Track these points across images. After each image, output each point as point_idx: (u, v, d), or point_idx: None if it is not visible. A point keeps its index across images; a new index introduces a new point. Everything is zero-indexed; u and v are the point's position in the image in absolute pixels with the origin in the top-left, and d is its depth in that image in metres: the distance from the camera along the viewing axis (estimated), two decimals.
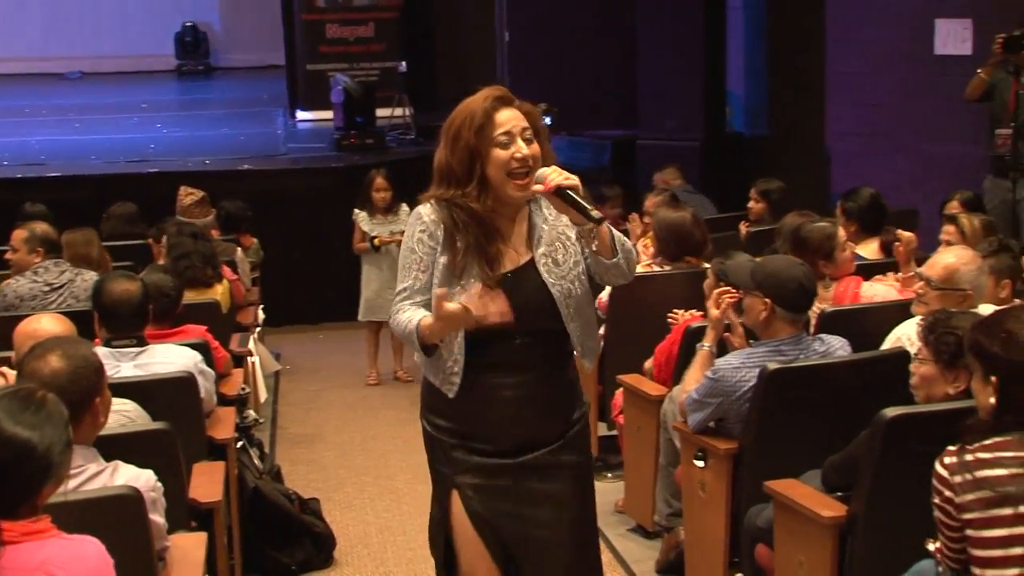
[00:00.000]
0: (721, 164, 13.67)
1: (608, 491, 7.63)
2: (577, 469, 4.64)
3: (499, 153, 4.34)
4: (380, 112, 15.47)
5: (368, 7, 17.62)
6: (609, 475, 7.98)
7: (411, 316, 4.38)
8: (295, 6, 17.77)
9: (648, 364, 7.00)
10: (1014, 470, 3.86)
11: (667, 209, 8.30)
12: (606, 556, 6.90)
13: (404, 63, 17.39)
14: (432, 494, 4.71)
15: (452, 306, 4.16)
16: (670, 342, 6.96)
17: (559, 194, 4.30)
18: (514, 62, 16.37)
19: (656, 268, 8.10)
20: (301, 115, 17.47)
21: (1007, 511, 3.86)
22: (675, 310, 7.18)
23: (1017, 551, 3.87)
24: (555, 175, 4.29)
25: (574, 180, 4.33)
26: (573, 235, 4.50)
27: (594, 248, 4.37)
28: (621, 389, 7.21)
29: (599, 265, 4.42)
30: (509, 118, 4.40)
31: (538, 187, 4.32)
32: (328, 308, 12.38)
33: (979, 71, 10.64)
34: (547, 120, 9.56)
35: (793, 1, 14.38)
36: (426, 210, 4.49)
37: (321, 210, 12.39)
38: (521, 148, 4.33)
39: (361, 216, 10.57)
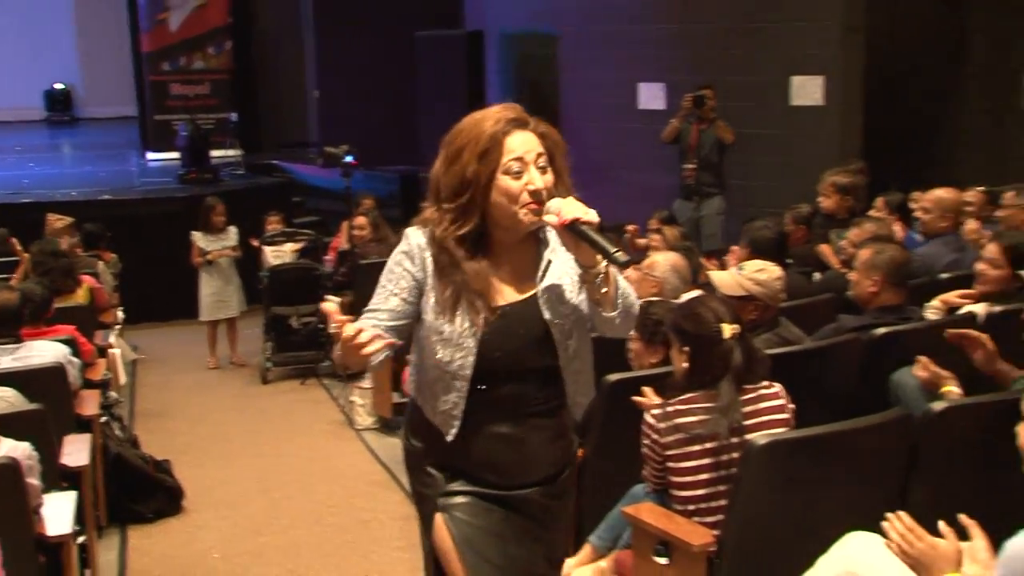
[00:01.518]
0: None
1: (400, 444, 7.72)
2: (564, 512, 3.73)
3: (508, 183, 3.30)
4: (215, 153, 15.46)
5: (204, 71, 17.69)
6: (400, 431, 7.97)
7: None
8: (144, 70, 17.72)
9: None
10: (701, 417, 3.99)
11: None
12: (400, 495, 6.97)
13: (235, 114, 17.52)
14: (420, 525, 3.74)
15: (348, 330, 3.17)
16: None
17: (574, 230, 3.25)
18: (322, 111, 16.32)
19: None
20: (151, 156, 17.26)
21: (696, 447, 4.00)
22: None
23: (704, 476, 4.01)
24: (571, 207, 3.25)
25: (593, 216, 3.26)
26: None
27: (597, 296, 3.37)
28: (410, 366, 7.21)
29: (596, 315, 3.45)
30: (522, 143, 3.35)
31: (551, 219, 3.27)
32: (174, 309, 12.22)
33: (672, 120, 10.94)
34: (349, 159, 9.57)
35: (534, 69, 14.51)
36: (417, 235, 3.45)
37: (168, 231, 12.24)
38: (535, 180, 3.29)
39: (197, 236, 10.58)
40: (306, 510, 6.77)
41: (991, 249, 5.76)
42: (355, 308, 9.32)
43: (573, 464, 3.73)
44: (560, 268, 3.48)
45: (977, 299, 5.75)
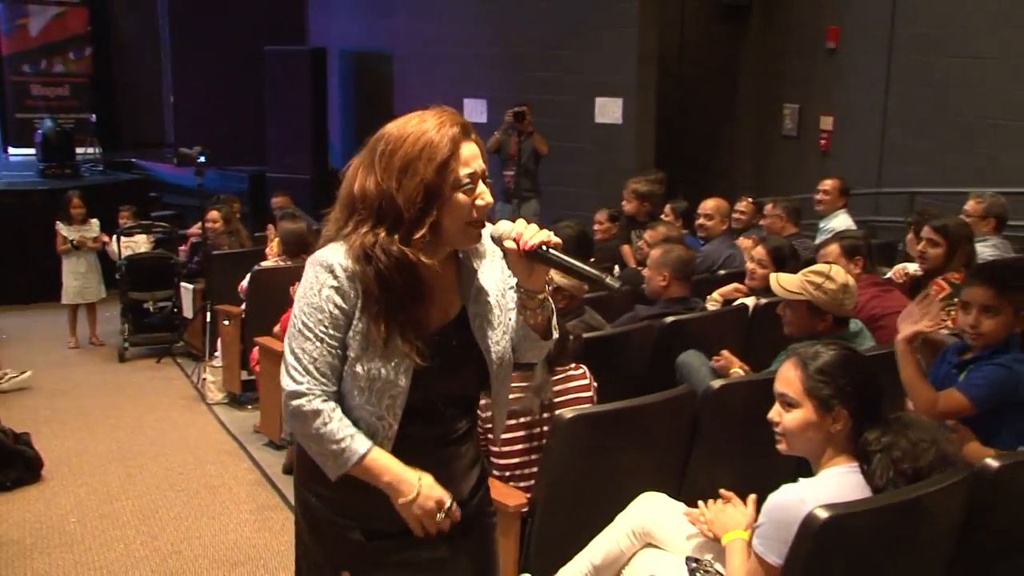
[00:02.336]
0: (325, 192, 13.62)
1: (250, 418, 7.69)
2: (489, 536, 3.07)
3: (461, 199, 2.64)
4: (78, 150, 15.01)
5: (65, 74, 17.28)
6: (250, 406, 7.91)
7: (346, 436, 2.65)
8: (5, 71, 17.09)
9: (277, 328, 6.97)
10: (516, 395, 4.01)
11: (289, 222, 8.28)
12: (248, 463, 6.91)
13: (94, 115, 17.13)
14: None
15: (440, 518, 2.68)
16: (289, 312, 6.96)
17: (539, 256, 2.67)
18: (177, 114, 16.01)
19: (281, 263, 8.08)
20: (12, 151, 16.67)
21: (511, 422, 4.03)
22: (294, 288, 7.20)
23: (518, 447, 4.08)
24: (531, 231, 2.68)
25: (556, 238, 2.72)
26: (508, 291, 2.88)
27: (536, 322, 2.80)
28: (257, 347, 7.15)
29: (527, 341, 2.84)
30: (473, 156, 2.70)
31: (510, 244, 2.66)
32: (35, 293, 11.82)
33: (495, 132, 10.99)
34: (202, 159, 9.43)
35: (371, 83, 14.45)
36: (339, 259, 2.65)
37: (31, 220, 11.86)
38: (485, 194, 2.69)
39: (61, 226, 10.28)
40: (160, 477, 6.64)
41: (759, 251, 5.93)
42: (207, 295, 9.26)
43: (486, 486, 3.05)
44: (487, 288, 2.85)
45: (748, 293, 5.93)
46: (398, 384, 2.67)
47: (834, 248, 5.82)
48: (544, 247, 2.64)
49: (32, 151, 15.42)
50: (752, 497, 3.38)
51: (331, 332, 2.66)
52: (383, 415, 2.68)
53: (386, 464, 2.66)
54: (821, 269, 4.61)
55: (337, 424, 2.64)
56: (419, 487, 2.66)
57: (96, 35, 17.45)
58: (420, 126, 2.69)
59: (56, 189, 12.25)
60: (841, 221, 7.95)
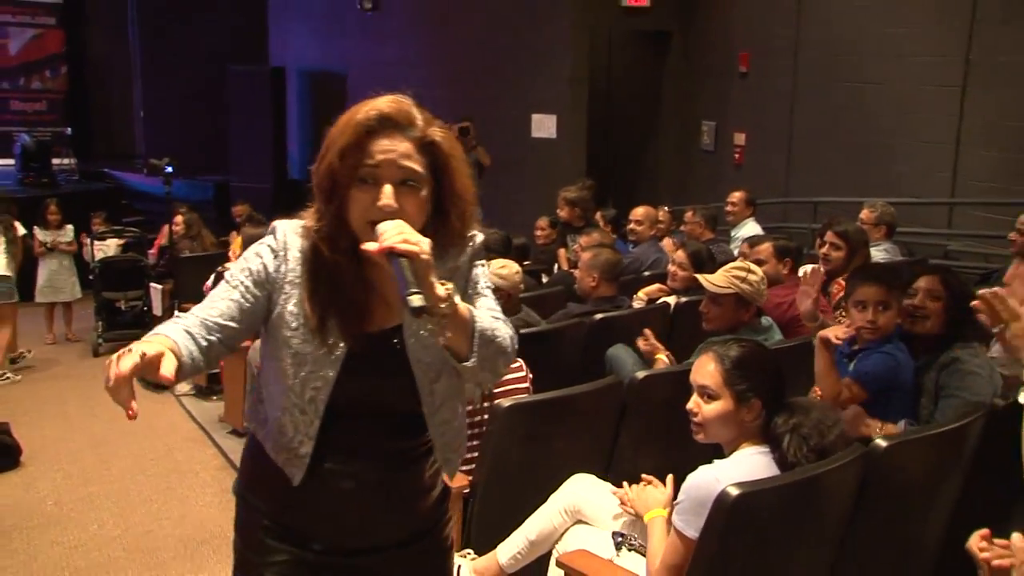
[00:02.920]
0: (283, 200, 13.57)
1: (215, 408, 7.65)
2: None
3: (357, 194, 2.18)
4: (54, 161, 14.83)
5: (42, 90, 17.15)
6: (215, 397, 7.85)
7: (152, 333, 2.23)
8: None
9: None
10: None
11: (251, 227, 8.22)
12: (213, 450, 6.87)
13: (69, 129, 16.88)
14: None
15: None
16: None
17: (391, 260, 2.07)
18: (147, 128, 15.89)
19: None
20: None
21: None
22: None
23: None
24: (393, 232, 2.07)
25: (414, 247, 2.04)
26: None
27: (443, 341, 2.18)
28: None
29: (452, 362, 2.20)
30: (384, 150, 2.18)
31: (371, 245, 2.09)
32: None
33: None
34: (169, 169, 9.35)
35: (326, 101, 14.40)
36: (291, 229, 2.32)
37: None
38: (386, 195, 2.14)
39: (38, 231, 10.18)
40: (131, 463, 6.58)
41: (680, 255, 5.98)
42: (175, 294, 9.20)
43: (438, 527, 2.53)
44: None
45: (670, 292, 5.98)
46: (326, 374, 2.27)
47: (767, 247, 5.93)
48: (392, 252, 2.06)
49: (11, 162, 15.23)
50: (670, 477, 3.41)
51: (244, 283, 2.27)
52: (305, 408, 2.29)
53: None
54: (741, 265, 4.71)
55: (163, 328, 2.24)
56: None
57: (71, 54, 17.30)
58: (356, 107, 2.31)
59: (34, 197, 12.07)
60: (750, 229, 8.04)
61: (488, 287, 2.42)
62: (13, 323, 9.21)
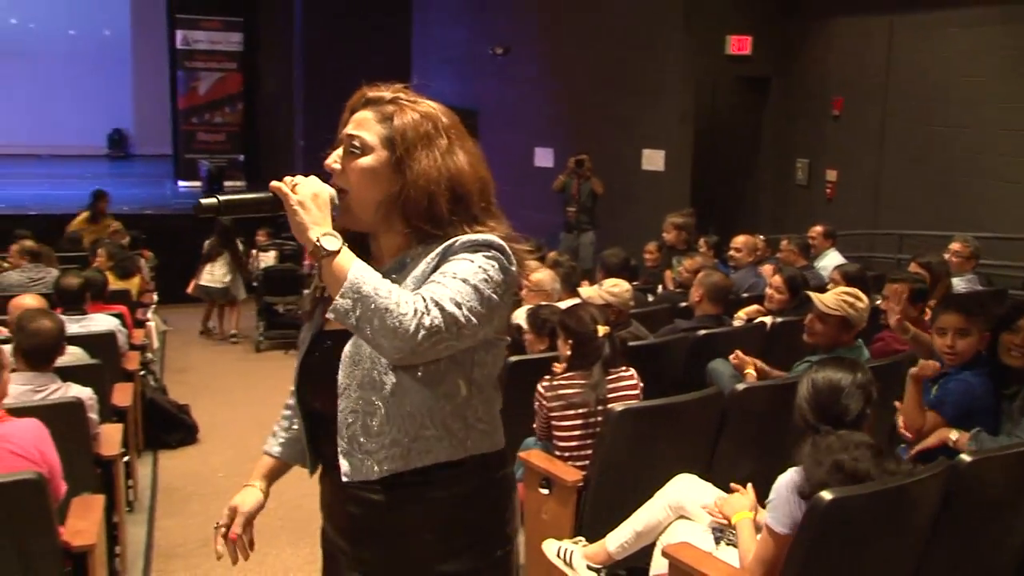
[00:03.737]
0: None
1: None
2: None
3: None
4: (228, 183, 15.27)
5: (221, 124, 17.62)
6: None
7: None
8: (178, 121, 17.48)
9: None
10: (577, 390, 4.02)
11: None
12: None
13: (242, 156, 17.34)
14: None
15: None
16: None
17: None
18: (307, 156, 16.21)
19: None
20: (181, 184, 17.02)
21: (572, 411, 4.03)
22: None
23: (577, 432, 4.05)
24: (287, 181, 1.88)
25: (280, 185, 1.87)
26: None
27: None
28: None
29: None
30: (352, 121, 2.02)
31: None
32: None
33: (560, 175, 11.02)
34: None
35: None
36: None
37: (192, 238, 11.85)
38: (331, 157, 2.01)
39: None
40: None
41: (776, 280, 5.87)
42: None
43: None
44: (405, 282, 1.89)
45: (767, 313, 5.88)
46: (297, 364, 2.06)
47: (836, 275, 5.82)
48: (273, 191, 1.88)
49: (196, 183, 15.74)
50: (750, 486, 3.36)
51: None
52: (294, 403, 2.12)
53: None
54: (851, 291, 4.61)
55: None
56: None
57: (246, 94, 17.79)
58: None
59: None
60: (832, 258, 7.85)
61: (456, 275, 1.83)
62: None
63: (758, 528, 3.09)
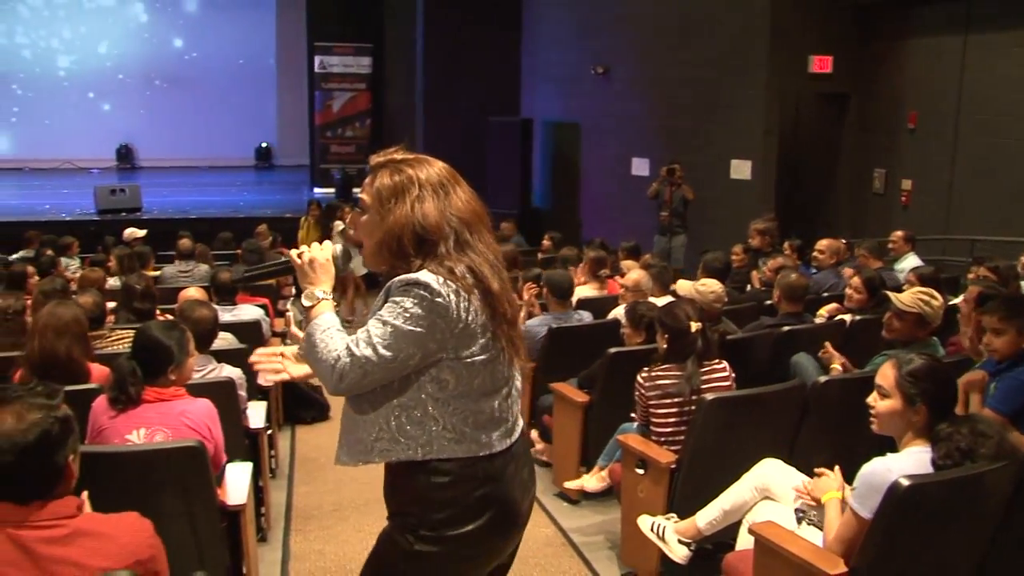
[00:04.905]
0: (529, 223, 13.76)
1: None
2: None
3: None
4: (355, 190, 15.48)
5: (352, 137, 17.72)
6: None
7: None
8: (315, 135, 17.78)
9: None
10: (673, 380, 4.00)
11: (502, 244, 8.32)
12: None
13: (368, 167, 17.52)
14: None
15: None
16: None
17: None
18: None
19: None
20: (317, 190, 17.25)
21: (668, 400, 4.01)
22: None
23: (672, 419, 4.02)
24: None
25: (292, 258, 2.34)
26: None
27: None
28: None
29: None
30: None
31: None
32: None
33: (653, 183, 10.92)
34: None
35: (565, 146, 14.52)
36: None
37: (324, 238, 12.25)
38: (348, 218, 2.40)
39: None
40: None
41: (855, 281, 5.73)
42: None
43: (391, 522, 2.29)
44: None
45: (846, 311, 5.74)
46: None
47: (912, 277, 5.66)
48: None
49: (330, 190, 16.04)
50: (837, 468, 3.29)
51: None
52: None
53: None
54: (926, 291, 4.53)
55: None
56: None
57: (374, 110, 17.98)
58: None
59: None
60: (911, 261, 7.62)
61: (380, 316, 2.11)
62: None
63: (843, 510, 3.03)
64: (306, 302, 2.26)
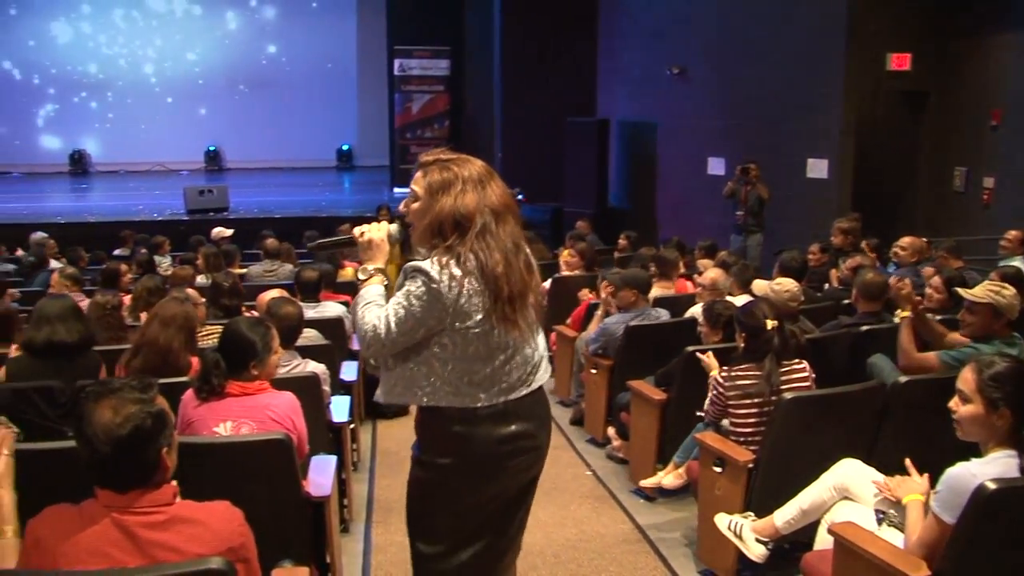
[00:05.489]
0: (605, 222, 13.70)
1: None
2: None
3: None
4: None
5: (432, 138, 17.89)
6: None
7: None
8: (394, 137, 17.97)
9: (569, 321, 7.03)
10: (752, 380, 3.95)
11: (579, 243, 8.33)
12: None
13: None
14: None
15: None
16: (580, 309, 7.00)
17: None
18: (504, 165, 16.39)
19: (575, 272, 8.15)
20: (396, 190, 17.48)
21: (747, 400, 3.96)
22: (581, 292, 7.26)
23: (751, 419, 3.97)
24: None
25: (350, 234, 2.86)
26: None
27: None
28: (554, 333, 7.23)
29: None
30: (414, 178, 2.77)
31: None
32: None
33: (729, 182, 10.78)
34: (520, 197, 9.61)
35: (641, 146, 14.42)
36: None
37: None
38: (402, 205, 2.79)
39: None
40: None
41: (936, 281, 5.60)
42: None
43: (416, 461, 2.75)
44: None
45: (927, 311, 5.59)
46: None
47: (996, 275, 5.52)
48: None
49: (407, 189, 16.16)
50: (926, 475, 3.19)
51: None
52: None
53: None
54: (998, 282, 4.44)
55: None
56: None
57: (452, 112, 18.12)
58: None
59: None
60: (1019, 263, 7.35)
61: (397, 300, 2.58)
62: None
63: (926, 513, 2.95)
64: (361, 276, 2.72)
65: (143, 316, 4.99)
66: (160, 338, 4.06)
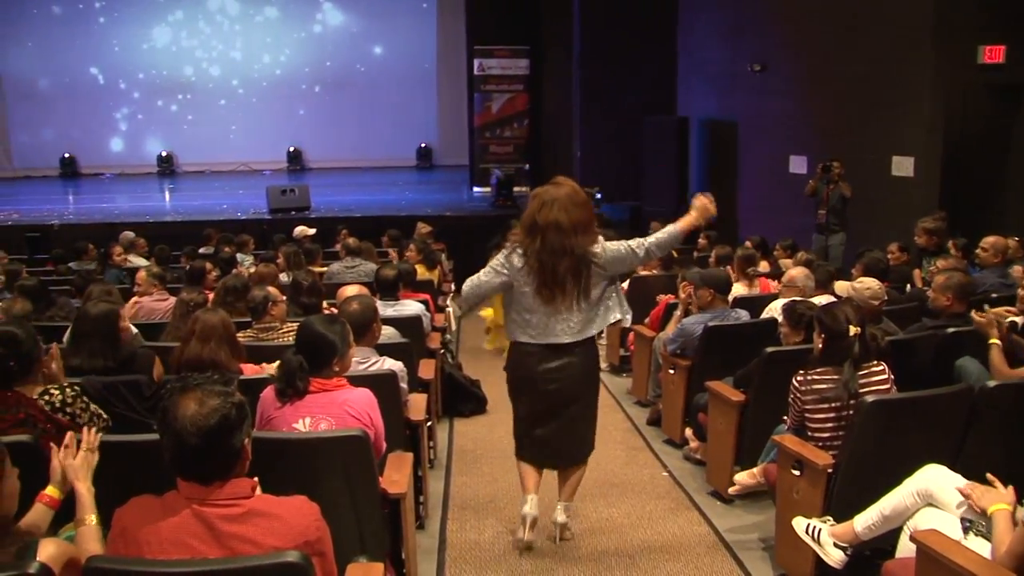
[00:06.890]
0: None
1: (624, 383, 7.68)
2: None
3: None
4: (516, 189, 15.59)
5: (511, 137, 17.90)
6: (624, 375, 7.92)
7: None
8: (475, 137, 18.03)
9: (647, 321, 6.98)
10: (830, 384, 3.86)
11: None
12: (621, 415, 6.94)
13: (528, 165, 17.68)
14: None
15: None
16: (659, 309, 6.95)
17: None
18: (583, 164, 16.35)
19: (653, 272, 8.09)
20: (476, 189, 17.53)
21: (825, 404, 3.88)
22: (660, 295, 7.20)
23: (830, 424, 3.88)
24: None
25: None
26: None
27: None
28: (632, 333, 7.19)
29: None
30: None
31: None
32: None
33: (811, 181, 10.56)
34: (599, 195, 9.56)
35: (722, 144, 14.23)
36: None
37: (484, 236, 12.27)
38: None
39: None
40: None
41: None
42: None
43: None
44: None
45: (1017, 313, 5.39)
46: None
47: None
48: None
49: (488, 190, 16.23)
50: (1011, 487, 3.10)
51: None
52: None
53: None
54: None
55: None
56: None
57: (531, 111, 18.10)
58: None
59: (502, 215, 12.78)
60: None
61: (488, 263, 4.46)
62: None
63: (1015, 523, 2.84)
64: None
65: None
66: (203, 354, 4.08)
